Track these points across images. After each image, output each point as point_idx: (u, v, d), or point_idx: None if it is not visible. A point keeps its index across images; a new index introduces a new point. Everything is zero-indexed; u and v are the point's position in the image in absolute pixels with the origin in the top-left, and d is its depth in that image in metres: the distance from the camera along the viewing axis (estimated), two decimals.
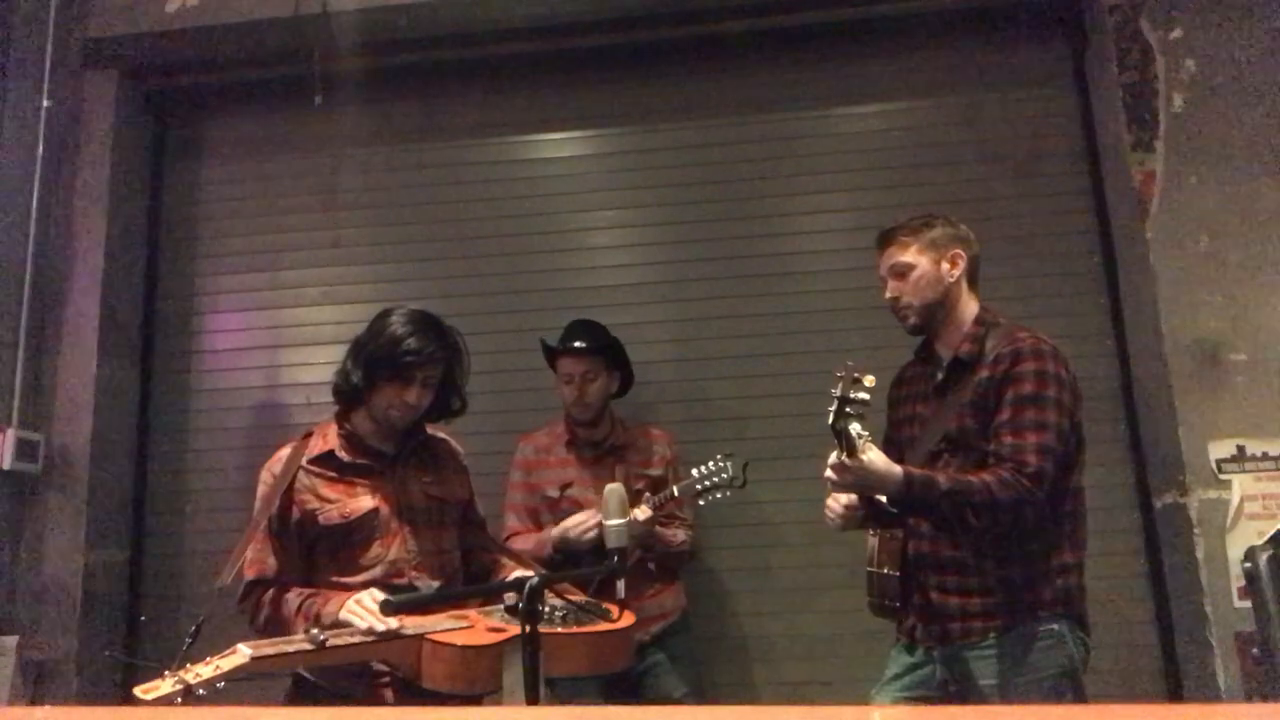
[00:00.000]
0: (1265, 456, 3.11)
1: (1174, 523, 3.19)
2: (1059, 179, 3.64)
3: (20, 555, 3.49)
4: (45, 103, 3.69)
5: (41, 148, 3.66)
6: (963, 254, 2.34)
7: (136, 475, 3.78)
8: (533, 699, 1.75)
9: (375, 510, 2.29)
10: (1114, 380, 3.48)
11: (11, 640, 3.35)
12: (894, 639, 2.42)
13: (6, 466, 3.38)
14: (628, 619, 2.27)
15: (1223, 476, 3.11)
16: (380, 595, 2.09)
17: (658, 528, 2.90)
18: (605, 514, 2.07)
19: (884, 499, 2.18)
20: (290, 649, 1.93)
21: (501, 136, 3.92)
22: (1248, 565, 2.13)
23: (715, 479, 2.79)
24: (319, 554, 2.30)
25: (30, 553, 3.49)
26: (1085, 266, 3.57)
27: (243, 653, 1.86)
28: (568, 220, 3.81)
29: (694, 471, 2.84)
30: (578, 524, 2.86)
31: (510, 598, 1.91)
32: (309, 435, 2.40)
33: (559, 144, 3.90)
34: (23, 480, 3.50)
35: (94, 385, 3.58)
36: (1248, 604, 2.25)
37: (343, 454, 2.33)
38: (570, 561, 2.87)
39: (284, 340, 3.84)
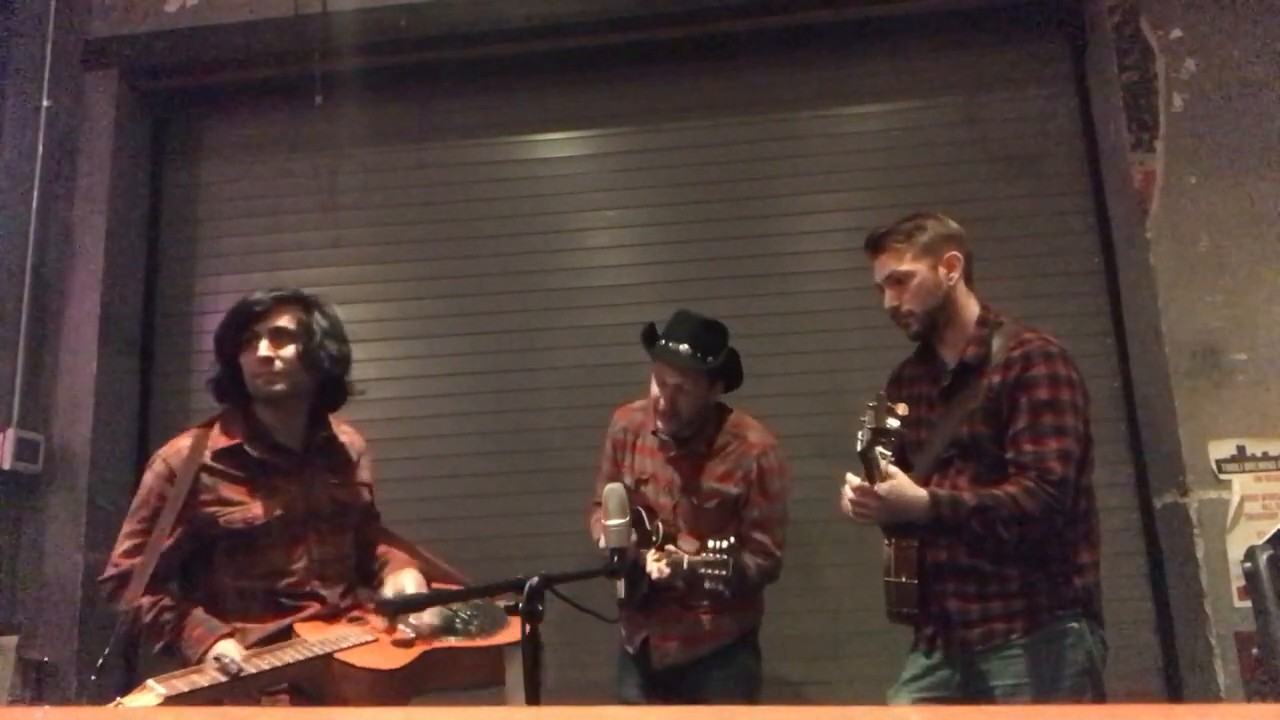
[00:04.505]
0: (1265, 456, 3.11)
1: (1174, 523, 3.19)
2: (1059, 179, 3.64)
3: (20, 555, 3.49)
4: (45, 103, 3.69)
5: (41, 148, 3.66)
6: (958, 255, 2.32)
7: (136, 475, 3.77)
8: (533, 699, 1.75)
9: (281, 516, 2.21)
10: (1114, 380, 3.47)
11: (11, 640, 3.35)
12: (909, 643, 2.39)
13: (6, 466, 3.38)
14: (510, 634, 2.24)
15: (1223, 476, 3.11)
16: (232, 650, 2.00)
17: (710, 557, 2.58)
18: (604, 514, 2.07)
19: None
20: (204, 682, 1.87)
21: (501, 137, 3.92)
22: (1248, 565, 2.13)
23: (713, 571, 2.47)
24: (216, 555, 2.21)
25: (30, 553, 3.49)
26: (1085, 266, 3.57)
27: (155, 691, 1.80)
28: (568, 220, 3.81)
29: (706, 549, 2.51)
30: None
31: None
32: (210, 424, 2.29)
33: (559, 144, 3.90)
34: (23, 480, 3.50)
35: (94, 385, 3.58)
36: (1248, 604, 2.25)
37: (252, 449, 2.24)
38: None
39: None
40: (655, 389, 2.70)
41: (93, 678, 1.85)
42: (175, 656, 2.11)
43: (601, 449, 2.97)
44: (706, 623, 2.71)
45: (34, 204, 3.63)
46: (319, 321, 2.30)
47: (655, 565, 2.58)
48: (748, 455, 2.74)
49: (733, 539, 2.51)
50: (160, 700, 1.78)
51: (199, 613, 2.14)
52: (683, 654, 2.71)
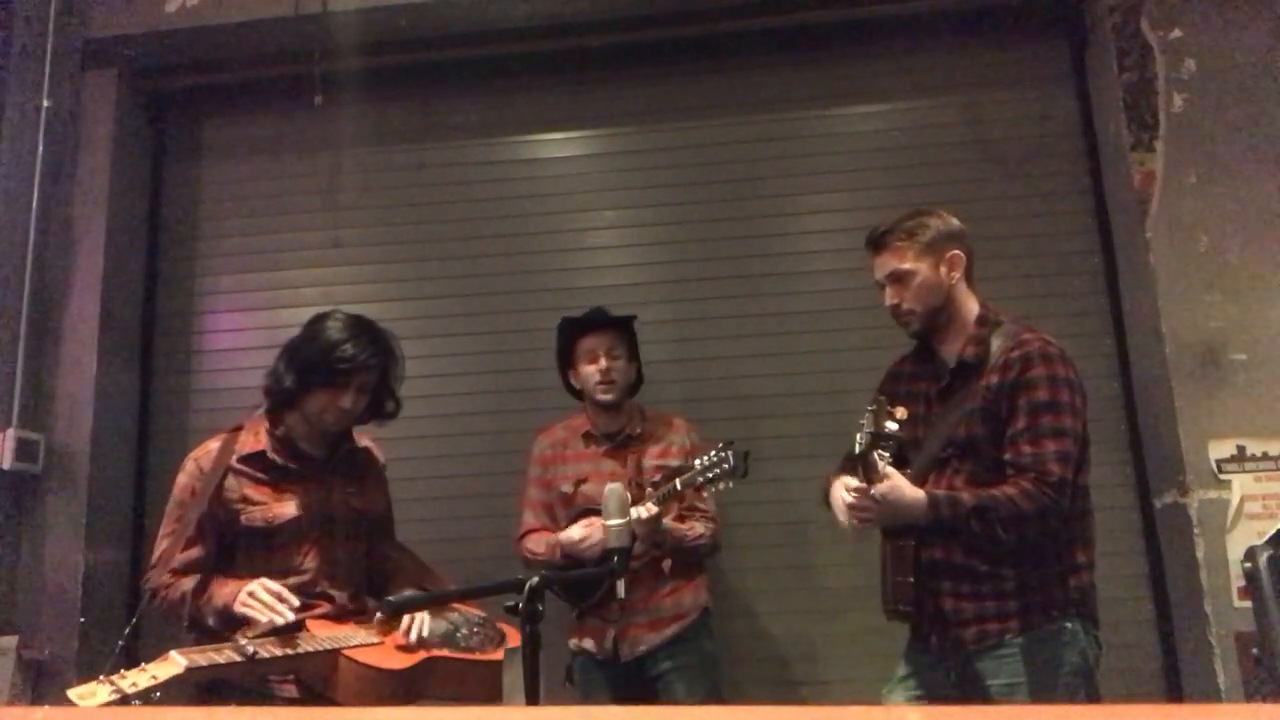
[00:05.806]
0: (1265, 456, 3.11)
1: (1174, 523, 3.19)
2: (1059, 179, 3.64)
3: (20, 555, 3.49)
4: (45, 103, 3.69)
5: (41, 148, 3.66)
6: (960, 254, 2.31)
7: (136, 475, 3.78)
8: (532, 699, 1.75)
9: (298, 518, 2.31)
10: (1114, 380, 3.47)
11: (11, 640, 3.35)
12: (902, 640, 2.40)
13: (6, 466, 3.38)
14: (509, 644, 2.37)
15: (1223, 476, 3.11)
16: (273, 585, 2.16)
17: (671, 522, 2.78)
18: (605, 514, 2.07)
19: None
20: (220, 659, 1.98)
21: (502, 136, 3.91)
22: (1248, 565, 2.13)
23: (717, 470, 2.62)
24: (237, 554, 2.31)
25: (30, 553, 3.49)
26: (1085, 266, 3.57)
27: (177, 662, 1.90)
28: (568, 220, 3.81)
29: (695, 462, 2.67)
30: (580, 539, 2.77)
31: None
32: (239, 429, 2.41)
33: (559, 144, 3.90)
34: (23, 480, 3.50)
35: (94, 385, 3.58)
36: (1248, 604, 2.25)
37: (274, 455, 2.35)
38: (579, 566, 2.82)
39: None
40: (588, 371, 2.94)
41: (124, 666, 1.91)
42: (197, 625, 2.23)
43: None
44: (667, 605, 2.84)
45: (34, 204, 3.63)
46: (394, 373, 2.45)
47: (641, 508, 2.63)
48: (678, 432, 2.99)
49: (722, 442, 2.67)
50: (181, 670, 1.88)
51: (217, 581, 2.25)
52: (651, 638, 2.82)
